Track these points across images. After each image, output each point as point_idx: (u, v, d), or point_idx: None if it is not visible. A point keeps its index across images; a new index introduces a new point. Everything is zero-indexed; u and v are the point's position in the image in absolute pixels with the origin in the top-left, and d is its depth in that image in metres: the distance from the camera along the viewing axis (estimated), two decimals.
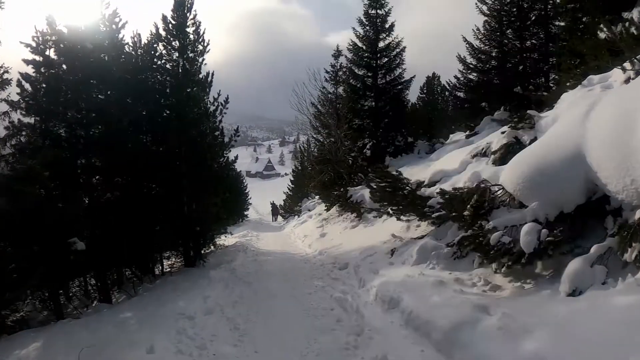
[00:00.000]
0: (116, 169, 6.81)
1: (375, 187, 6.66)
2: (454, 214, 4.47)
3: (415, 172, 9.48)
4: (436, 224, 5.58)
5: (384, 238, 7.37)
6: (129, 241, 6.59)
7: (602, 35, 6.27)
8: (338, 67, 15.81)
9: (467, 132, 12.28)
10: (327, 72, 15.88)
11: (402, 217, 6.33)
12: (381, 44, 14.28)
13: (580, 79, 6.31)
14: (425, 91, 22.35)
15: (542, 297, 3.44)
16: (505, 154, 5.80)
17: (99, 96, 6.89)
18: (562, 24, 11.00)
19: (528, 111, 6.00)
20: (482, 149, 6.59)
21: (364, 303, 4.83)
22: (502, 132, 6.16)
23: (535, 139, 5.65)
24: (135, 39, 7.76)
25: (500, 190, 4.16)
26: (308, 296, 5.43)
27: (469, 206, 4.00)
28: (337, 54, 15.79)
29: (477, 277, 4.41)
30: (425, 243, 5.38)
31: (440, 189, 5.00)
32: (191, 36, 8.05)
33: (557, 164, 3.80)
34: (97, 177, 6.91)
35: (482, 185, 4.25)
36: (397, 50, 14.23)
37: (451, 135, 15.72)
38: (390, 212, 6.50)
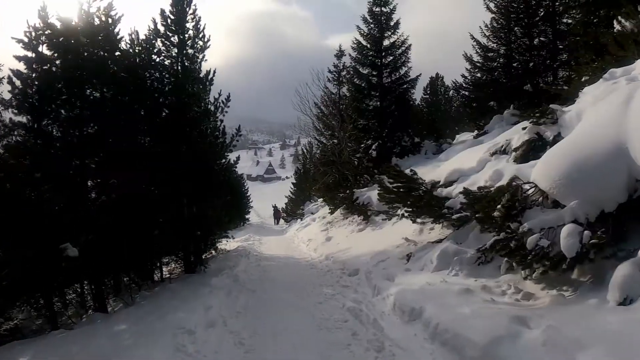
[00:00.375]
0: (112, 171, 6.45)
1: (386, 187, 6.27)
2: (478, 215, 4.08)
3: (423, 172, 9.04)
4: (455, 226, 5.19)
5: (395, 242, 6.96)
6: (127, 246, 6.22)
7: (628, 25, 5.96)
8: (341, 67, 15.52)
9: (476, 132, 11.95)
10: (330, 71, 15.59)
11: (417, 219, 5.94)
12: (386, 42, 13.98)
13: (598, 73, 5.98)
14: (428, 92, 22.12)
15: (587, 307, 3.05)
16: (527, 151, 5.43)
17: (94, 94, 6.55)
18: (572, 20, 10.74)
19: (550, 105, 5.63)
20: (502, 146, 6.20)
21: (381, 314, 4.42)
22: (524, 128, 5.78)
23: (558, 134, 5.31)
24: (133, 36, 7.42)
25: (532, 189, 3.77)
26: (318, 306, 5.01)
27: (499, 206, 3.60)
28: (340, 54, 15.53)
29: (505, 284, 4.03)
30: (446, 247, 4.96)
31: (464, 188, 4.60)
32: (191, 32, 7.75)
33: (596, 159, 3.47)
34: (92, 178, 6.56)
35: (514, 183, 3.86)
36: (403, 48, 13.91)
37: (458, 136, 15.44)
38: (405, 214, 6.10)
